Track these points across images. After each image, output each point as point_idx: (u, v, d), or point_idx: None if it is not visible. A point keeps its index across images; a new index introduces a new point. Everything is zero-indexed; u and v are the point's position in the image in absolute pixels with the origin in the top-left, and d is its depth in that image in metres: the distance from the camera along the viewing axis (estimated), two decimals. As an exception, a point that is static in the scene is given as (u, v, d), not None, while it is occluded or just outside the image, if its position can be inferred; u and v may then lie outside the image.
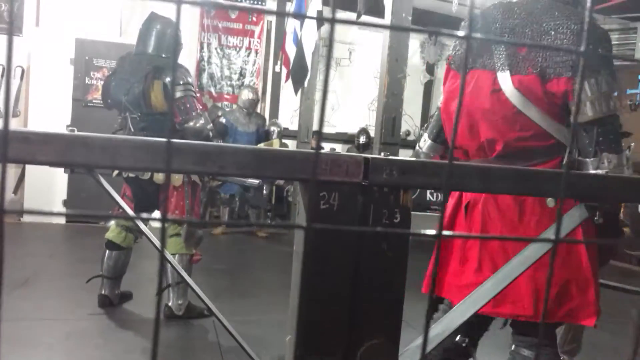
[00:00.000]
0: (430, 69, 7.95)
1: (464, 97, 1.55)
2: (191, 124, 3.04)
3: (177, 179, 3.10)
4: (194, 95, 3.11)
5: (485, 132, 1.53)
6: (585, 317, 1.48)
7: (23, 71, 6.03)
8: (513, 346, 1.65)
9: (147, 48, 3.17)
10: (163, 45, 3.17)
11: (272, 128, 6.83)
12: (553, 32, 1.45)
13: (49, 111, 5.59)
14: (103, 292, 3.26)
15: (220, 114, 6.09)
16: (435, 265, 0.36)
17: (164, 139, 0.61)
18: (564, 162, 1.45)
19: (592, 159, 1.43)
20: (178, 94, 2.99)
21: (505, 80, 1.48)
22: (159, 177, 3.01)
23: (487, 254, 1.53)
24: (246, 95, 6.16)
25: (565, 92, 1.43)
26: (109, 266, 3.25)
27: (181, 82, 3.02)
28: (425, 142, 1.86)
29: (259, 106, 6.52)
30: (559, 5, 1.51)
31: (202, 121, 3.08)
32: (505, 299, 1.48)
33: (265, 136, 6.25)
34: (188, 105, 3.04)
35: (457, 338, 1.65)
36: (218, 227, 6.06)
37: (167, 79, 3.00)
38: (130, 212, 1.05)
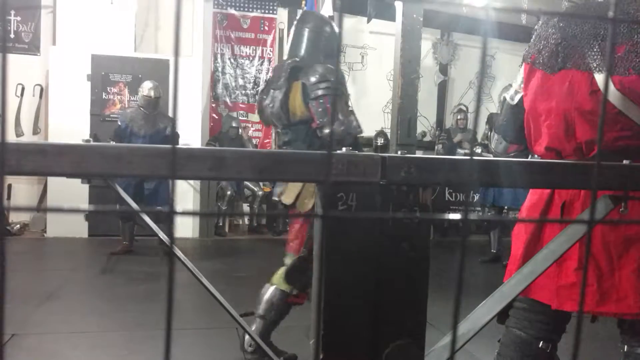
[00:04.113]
0: (443, 69, 7.89)
1: (557, 97, 1.54)
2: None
3: (306, 202, 2.52)
4: (338, 94, 2.63)
5: (584, 133, 1.51)
6: None
7: (42, 89, 6.16)
8: (625, 347, 1.60)
9: (298, 51, 2.72)
10: (318, 44, 2.72)
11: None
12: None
13: (68, 127, 5.68)
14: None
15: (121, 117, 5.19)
16: (462, 257, 0.35)
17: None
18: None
19: None
20: (318, 92, 2.53)
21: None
22: (289, 198, 2.54)
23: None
24: (146, 91, 5.09)
25: None
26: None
27: (324, 80, 2.57)
28: (499, 142, 1.80)
29: (161, 105, 5.37)
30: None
31: (342, 127, 2.57)
32: (608, 298, 1.45)
33: (171, 140, 4.91)
34: (329, 106, 2.55)
35: (541, 344, 1.62)
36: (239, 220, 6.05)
37: (310, 79, 2.54)
38: (136, 206, 1.03)
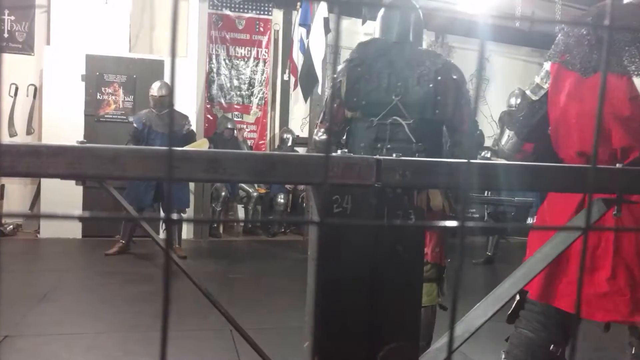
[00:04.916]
0: (439, 71, 7.91)
1: (592, 101, 1.48)
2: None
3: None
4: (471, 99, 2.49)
5: (620, 139, 1.46)
6: None
7: (35, 89, 6.12)
8: (633, 349, 1.60)
9: (403, 37, 2.45)
10: (420, 35, 2.56)
11: (286, 135, 6.84)
12: None
13: (62, 128, 5.65)
14: None
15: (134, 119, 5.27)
16: (461, 261, 0.35)
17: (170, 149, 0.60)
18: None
19: None
20: (469, 94, 2.42)
21: None
22: (436, 202, 2.26)
23: (622, 261, 1.47)
24: (156, 92, 5.06)
25: None
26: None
27: (465, 81, 2.43)
28: (510, 139, 1.73)
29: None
30: None
31: (478, 132, 2.61)
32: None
33: (189, 137, 5.18)
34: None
35: (551, 348, 1.60)
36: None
37: (455, 76, 2.38)
38: (134, 212, 1.03)
